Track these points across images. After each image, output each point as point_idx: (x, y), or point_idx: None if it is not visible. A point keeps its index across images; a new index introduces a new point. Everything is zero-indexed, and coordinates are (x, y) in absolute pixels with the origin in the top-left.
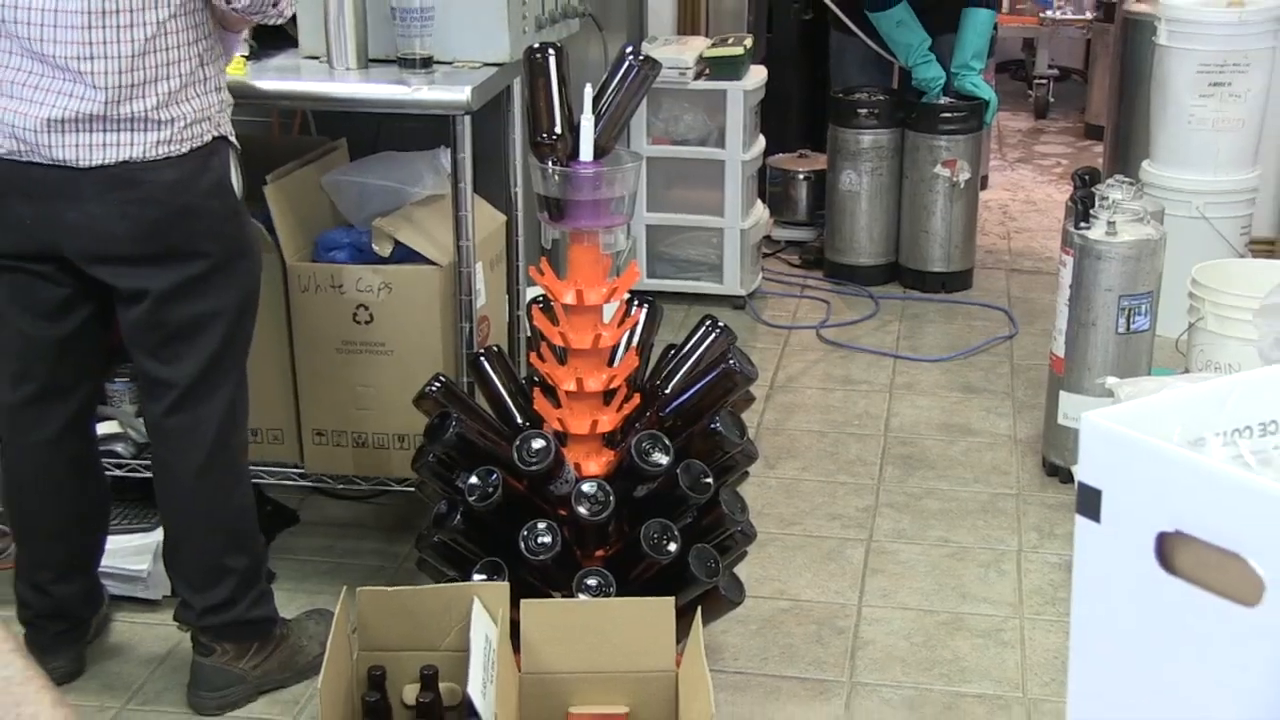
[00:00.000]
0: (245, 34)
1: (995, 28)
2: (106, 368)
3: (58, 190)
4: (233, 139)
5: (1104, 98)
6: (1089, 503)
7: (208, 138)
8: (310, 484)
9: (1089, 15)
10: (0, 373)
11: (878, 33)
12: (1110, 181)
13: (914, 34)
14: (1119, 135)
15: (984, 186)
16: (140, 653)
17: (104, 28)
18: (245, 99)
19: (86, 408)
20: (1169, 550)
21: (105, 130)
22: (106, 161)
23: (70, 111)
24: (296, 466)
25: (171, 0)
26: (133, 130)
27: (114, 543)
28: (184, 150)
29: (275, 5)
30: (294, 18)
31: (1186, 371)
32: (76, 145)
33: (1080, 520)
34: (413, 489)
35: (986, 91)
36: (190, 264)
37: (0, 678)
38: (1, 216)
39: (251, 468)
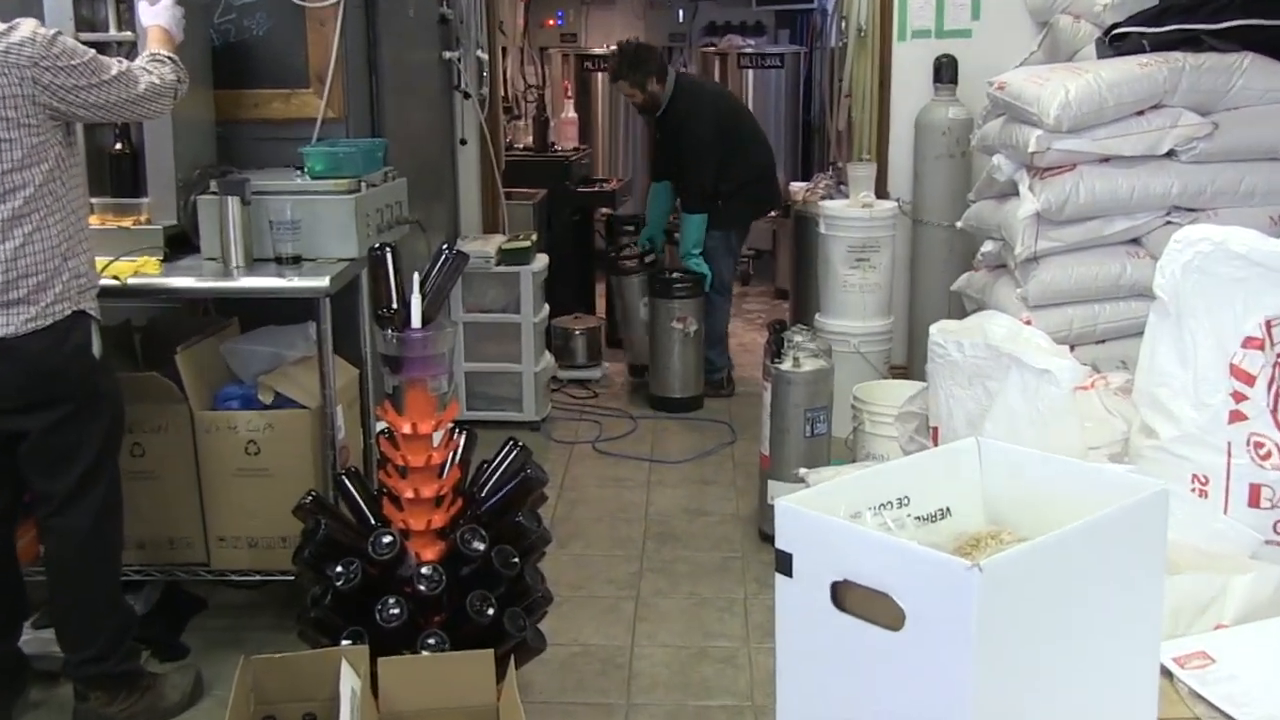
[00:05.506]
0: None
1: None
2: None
3: None
4: (93, 312)
5: (787, 270)
6: (784, 563)
7: (68, 313)
8: (215, 577)
9: (773, 213)
10: None
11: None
12: (794, 329)
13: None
14: (798, 296)
15: None
16: (52, 703)
17: None
18: (160, 294)
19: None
20: (840, 594)
21: None
22: None
23: None
24: (204, 565)
25: (33, 218)
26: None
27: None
28: (48, 324)
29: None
30: (197, 229)
31: (855, 461)
32: None
33: (779, 576)
34: (294, 578)
35: (704, 268)
36: (57, 409)
37: None
38: None
39: (168, 567)
